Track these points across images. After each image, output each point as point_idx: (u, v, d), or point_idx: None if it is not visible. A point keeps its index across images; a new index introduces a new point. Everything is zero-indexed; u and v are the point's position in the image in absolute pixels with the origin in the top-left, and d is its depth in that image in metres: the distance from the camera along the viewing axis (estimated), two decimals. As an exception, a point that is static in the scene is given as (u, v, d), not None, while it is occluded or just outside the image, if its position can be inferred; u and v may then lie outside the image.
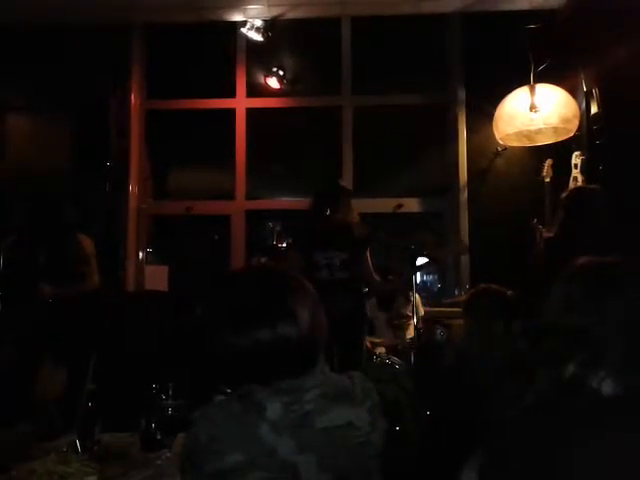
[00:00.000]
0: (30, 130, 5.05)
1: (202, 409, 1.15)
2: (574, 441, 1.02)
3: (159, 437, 1.82)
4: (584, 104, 4.16)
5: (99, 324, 3.51)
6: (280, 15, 4.79)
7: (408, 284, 3.80)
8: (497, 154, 4.57)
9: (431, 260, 3.90)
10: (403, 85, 4.92)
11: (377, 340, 4.08)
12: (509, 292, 2.61)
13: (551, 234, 3.34)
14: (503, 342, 2.44)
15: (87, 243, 3.78)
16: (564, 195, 3.23)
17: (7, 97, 5.03)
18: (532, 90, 4.09)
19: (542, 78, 4.20)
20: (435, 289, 5.01)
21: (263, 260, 4.19)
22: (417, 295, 3.98)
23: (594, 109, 4.05)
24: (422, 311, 4.27)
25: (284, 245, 4.38)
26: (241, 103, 5.01)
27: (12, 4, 4.46)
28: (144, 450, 1.82)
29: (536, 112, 4.04)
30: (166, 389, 1.87)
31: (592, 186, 3.32)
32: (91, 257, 3.76)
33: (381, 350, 3.93)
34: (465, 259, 4.61)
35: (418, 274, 3.91)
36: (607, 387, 1.05)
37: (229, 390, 1.18)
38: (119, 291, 4.62)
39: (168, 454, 1.77)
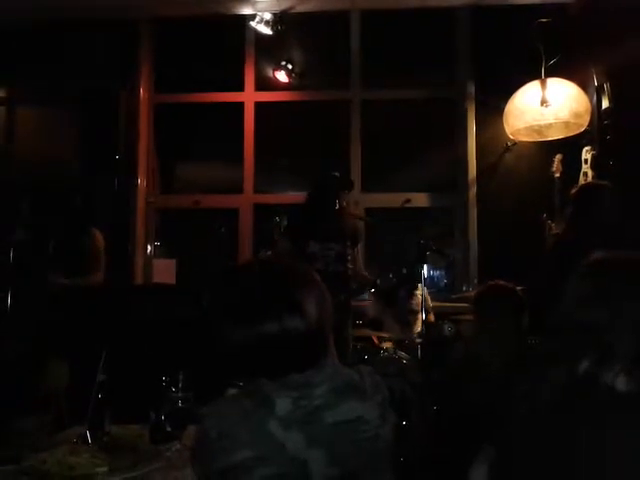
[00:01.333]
0: (39, 124, 5.07)
1: (212, 405, 1.16)
2: (585, 438, 1.02)
3: (169, 429, 1.83)
4: (595, 99, 4.13)
5: (108, 317, 3.53)
6: (289, 8, 4.77)
7: (414, 279, 3.81)
8: (507, 149, 4.54)
9: (439, 255, 3.90)
10: (412, 79, 4.89)
11: (384, 335, 4.07)
12: (518, 288, 2.60)
13: (560, 231, 3.32)
14: (512, 338, 2.43)
15: (99, 237, 3.83)
16: (574, 191, 3.21)
17: (16, 91, 5.04)
18: (543, 84, 4.06)
19: (553, 72, 4.18)
20: (443, 284, 5.00)
21: (268, 254, 4.19)
22: (425, 289, 3.98)
23: (605, 104, 4.02)
24: (430, 304, 4.27)
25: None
26: (250, 97, 5.01)
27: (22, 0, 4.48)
28: (153, 442, 1.82)
29: (547, 107, 4.01)
30: (176, 381, 1.88)
31: (602, 182, 3.30)
32: (102, 252, 3.81)
33: (388, 345, 3.93)
34: (474, 254, 4.60)
35: (425, 269, 3.91)
36: (620, 383, 1.05)
37: (241, 383, 1.18)
38: (127, 284, 4.64)
39: (178, 446, 1.78)
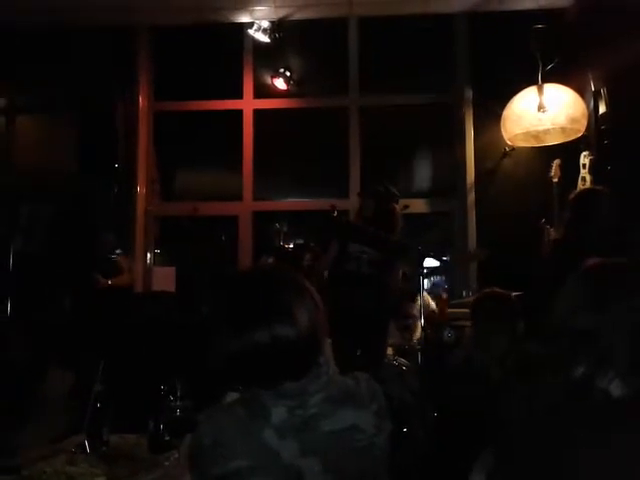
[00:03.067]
0: (38, 132, 5.08)
1: (207, 413, 1.16)
2: (582, 444, 1.02)
3: (167, 438, 1.83)
4: (592, 104, 4.14)
5: (107, 325, 3.54)
6: (287, 16, 4.79)
7: (415, 285, 3.81)
8: (505, 154, 4.55)
9: (439, 261, 3.90)
10: (410, 85, 4.91)
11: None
12: (514, 294, 2.61)
13: (558, 236, 3.32)
14: (510, 344, 2.43)
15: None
16: (571, 196, 3.21)
17: (15, 100, 5.06)
18: (540, 90, 4.07)
19: (550, 78, 4.19)
20: (442, 290, 4.99)
21: (269, 261, 4.20)
22: (425, 293, 3.98)
23: (602, 109, 4.03)
24: (433, 305, 4.27)
25: (291, 245, 4.40)
26: (248, 104, 5.02)
27: (19, 7, 4.49)
28: (152, 451, 1.82)
29: (544, 112, 4.02)
30: (174, 390, 1.88)
31: (600, 187, 3.29)
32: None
33: (388, 351, 3.93)
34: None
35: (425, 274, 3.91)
36: (616, 388, 1.05)
37: (241, 387, 1.18)
38: (127, 292, 4.63)
39: (176, 455, 1.78)
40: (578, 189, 3.72)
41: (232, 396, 1.21)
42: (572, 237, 3.05)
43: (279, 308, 1.11)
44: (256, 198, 5.03)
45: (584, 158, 4.06)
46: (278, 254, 4.29)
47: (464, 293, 4.60)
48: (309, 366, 1.13)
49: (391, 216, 3.68)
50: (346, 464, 1.11)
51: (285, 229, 4.63)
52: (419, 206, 4.80)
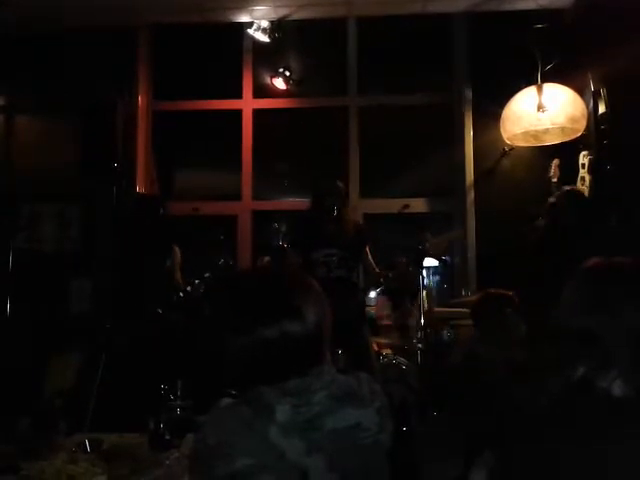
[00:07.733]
0: (37, 132, 5.07)
1: (210, 413, 1.16)
2: (582, 442, 1.02)
3: (167, 437, 1.83)
4: (591, 103, 4.14)
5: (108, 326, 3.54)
6: (286, 16, 4.79)
7: (414, 282, 3.81)
8: (504, 154, 4.56)
9: (438, 260, 3.90)
10: (409, 85, 4.92)
11: (384, 341, 4.07)
12: (514, 294, 2.61)
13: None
14: (510, 345, 2.44)
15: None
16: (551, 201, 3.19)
17: (14, 99, 5.05)
18: (539, 90, 4.08)
19: (549, 78, 4.19)
20: (442, 290, 5.00)
21: (267, 260, 4.21)
22: (424, 292, 3.98)
23: (602, 109, 4.03)
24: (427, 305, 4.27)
25: (287, 245, 4.40)
26: (248, 104, 5.02)
27: (19, 5, 4.48)
28: (152, 450, 1.82)
29: (543, 112, 4.02)
30: (175, 389, 1.88)
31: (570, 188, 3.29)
32: None
33: (388, 351, 3.93)
34: (472, 259, 4.60)
35: (424, 274, 3.90)
36: (617, 389, 1.05)
37: (234, 392, 1.18)
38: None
39: (176, 454, 1.78)
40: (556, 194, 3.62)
41: (225, 402, 1.21)
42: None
43: (287, 304, 1.13)
44: (255, 198, 5.03)
45: (583, 158, 4.07)
46: (276, 253, 4.30)
47: (463, 292, 4.61)
48: (315, 363, 1.13)
49: (343, 210, 3.62)
50: (350, 462, 1.11)
51: (284, 229, 4.63)
52: (418, 206, 4.80)
